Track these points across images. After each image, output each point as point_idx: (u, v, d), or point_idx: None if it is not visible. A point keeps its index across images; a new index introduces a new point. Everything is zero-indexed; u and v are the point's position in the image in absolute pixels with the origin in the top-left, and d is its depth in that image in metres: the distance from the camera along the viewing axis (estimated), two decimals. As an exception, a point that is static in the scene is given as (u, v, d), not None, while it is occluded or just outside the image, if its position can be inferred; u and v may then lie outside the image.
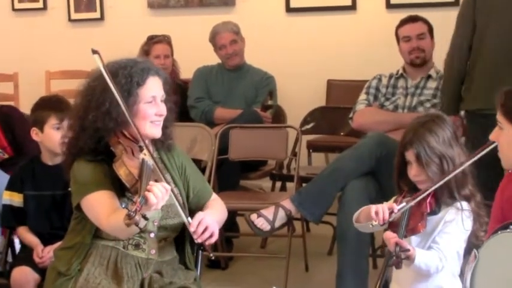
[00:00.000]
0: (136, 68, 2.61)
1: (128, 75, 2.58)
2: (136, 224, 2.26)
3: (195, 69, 5.35)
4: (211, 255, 2.59)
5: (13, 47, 6.62)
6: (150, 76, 2.62)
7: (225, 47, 5.18)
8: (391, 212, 2.53)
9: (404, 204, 2.53)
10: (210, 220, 2.56)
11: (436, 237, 2.51)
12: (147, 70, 2.63)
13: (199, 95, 5.20)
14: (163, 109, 2.65)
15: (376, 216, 2.53)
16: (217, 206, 2.79)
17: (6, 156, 3.83)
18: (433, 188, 2.50)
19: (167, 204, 2.56)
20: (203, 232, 2.52)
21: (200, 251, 2.85)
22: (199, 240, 2.53)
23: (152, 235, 2.64)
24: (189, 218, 2.54)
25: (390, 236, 2.43)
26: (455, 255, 2.52)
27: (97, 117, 2.56)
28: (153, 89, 2.63)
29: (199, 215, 2.56)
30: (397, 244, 2.39)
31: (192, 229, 2.52)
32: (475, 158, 2.47)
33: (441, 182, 2.48)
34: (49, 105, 3.31)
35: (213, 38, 5.23)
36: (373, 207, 2.56)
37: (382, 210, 2.53)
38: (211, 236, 2.54)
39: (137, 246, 2.63)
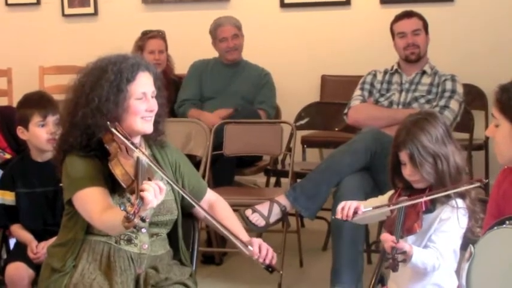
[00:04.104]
0: (126, 64, 2.59)
1: (117, 71, 2.57)
2: (135, 227, 2.25)
3: (190, 64, 5.33)
4: (281, 272, 2.63)
5: (7, 42, 6.60)
6: (140, 72, 2.61)
7: (226, 39, 5.13)
8: (355, 212, 2.57)
9: (369, 208, 2.58)
10: (263, 242, 2.66)
11: (432, 236, 2.50)
12: (137, 66, 2.61)
13: (186, 96, 5.15)
14: (153, 105, 2.64)
15: (341, 211, 2.58)
16: (230, 214, 2.86)
17: (7, 156, 3.81)
18: (427, 198, 2.49)
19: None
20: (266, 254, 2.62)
21: (200, 259, 2.89)
22: (267, 262, 2.62)
23: (144, 230, 2.64)
24: (250, 247, 2.62)
25: (387, 239, 2.42)
26: (452, 253, 2.51)
27: (87, 113, 2.55)
28: (143, 85, 2.61)
29: (255, 241, 2.65)
30: (393, 247, 2.38)
31: (255, 256, 2.61)
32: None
33: (440, 194, 2.48)
34: (31, 103, 3.29)
35: (215, 30, 5.16)
36: (343, 202, 2.60)
37: (348, 207, 2.58)
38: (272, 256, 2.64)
39: (129, 241, 2.62)
